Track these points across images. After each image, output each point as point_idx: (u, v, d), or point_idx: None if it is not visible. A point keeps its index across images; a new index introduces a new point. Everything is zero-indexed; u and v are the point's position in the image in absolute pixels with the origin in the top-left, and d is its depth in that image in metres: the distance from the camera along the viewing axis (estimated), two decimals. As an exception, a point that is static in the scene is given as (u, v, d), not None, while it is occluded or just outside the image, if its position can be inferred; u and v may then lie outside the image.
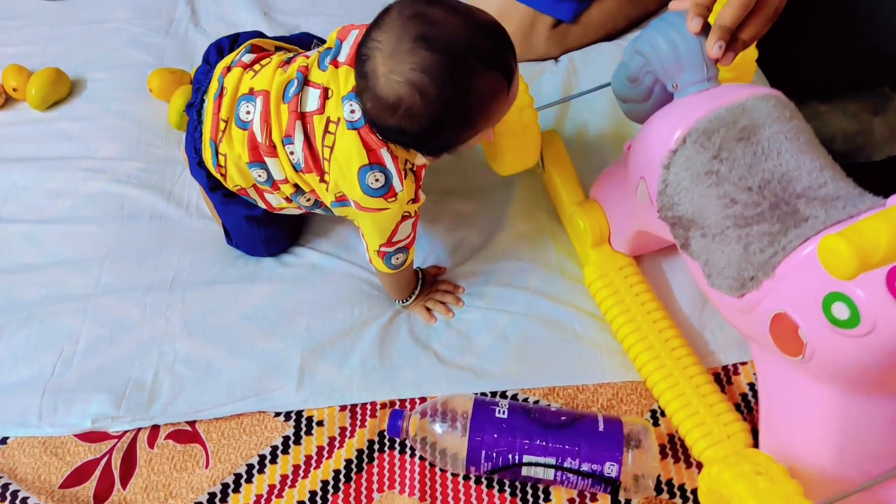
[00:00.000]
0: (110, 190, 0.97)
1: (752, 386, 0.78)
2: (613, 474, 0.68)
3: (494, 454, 0.69)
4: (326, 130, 0.71)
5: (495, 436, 0.70)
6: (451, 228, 0.93)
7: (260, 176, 0.78)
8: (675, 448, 0.75)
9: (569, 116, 1.03)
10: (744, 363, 0.80)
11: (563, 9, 1.07)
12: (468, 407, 0.72)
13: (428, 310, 0.86)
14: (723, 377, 0.79)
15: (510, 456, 0.69)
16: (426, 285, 0.87)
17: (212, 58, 0.81)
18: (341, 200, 0.75)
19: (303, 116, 0.72)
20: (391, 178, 0.70)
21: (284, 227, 0.89)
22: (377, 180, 0.70)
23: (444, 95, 0.63)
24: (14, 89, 1.06)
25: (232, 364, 0.82)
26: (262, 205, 0.84)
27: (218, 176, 0.82)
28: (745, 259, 0.62)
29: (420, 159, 0.73)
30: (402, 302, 0.86)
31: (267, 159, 0.76)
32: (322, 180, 0.75)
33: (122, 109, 1.06)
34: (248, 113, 0.75)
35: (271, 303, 0.87)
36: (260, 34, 0.84)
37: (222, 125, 0.77)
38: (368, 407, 0.79)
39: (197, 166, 0.82)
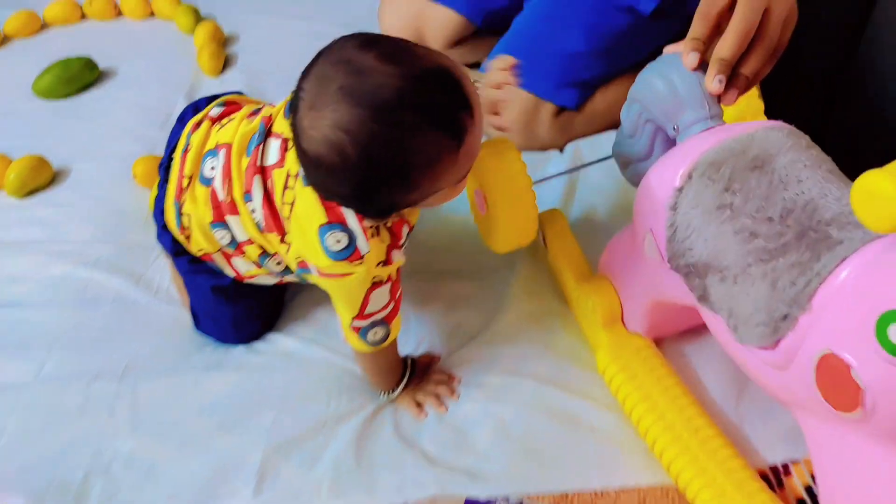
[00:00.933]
0: (75, 274, 0.88)
1: (809, 490, 0.63)
2: None
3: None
4: (286, 185, 0.64)
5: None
6: (447, 311, 0.82)
7: (223, 238, 0.70)
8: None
9: (575, 199, 0.95)
10: (796, 461, 0.66)
11: (565, 95, 1.03)
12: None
13: (418, 404, 0.74)
14: (772, 479, 0.65)
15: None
16: (416, 375, 0.75)
17: (187, 117, 0.76)
18: (303, 267, 0.67)
19: (262, 171, 0.66)
20: (355, 238, 0.62)
21: (257, 306, 0.79)
22: (338, 241, 0.62)
23: (367, 157, 0.54)
24: (-7, 178, 1.02)
25: (180, 465, 0.69)
26: (230, 273, 0.75)
27: (182, 239, 0.74)
28: (774, 297, 0.51)
29: (368, 221, 0.64)
30: (387, 394, 0.74)
31: (228, 218, 0.69)
32: (283, 241, 0.67)
33: (102, 196, 1.00)
34: (212, 168, 0.69)
35: (235, 394, 0.75)
36: (239, 93, 0.79)
37: (185, 181, 0.71)
38: (338, 517, 0.65)
39: (163, 230, 0.76)
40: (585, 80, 1.03)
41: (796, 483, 0.64)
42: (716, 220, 0.56)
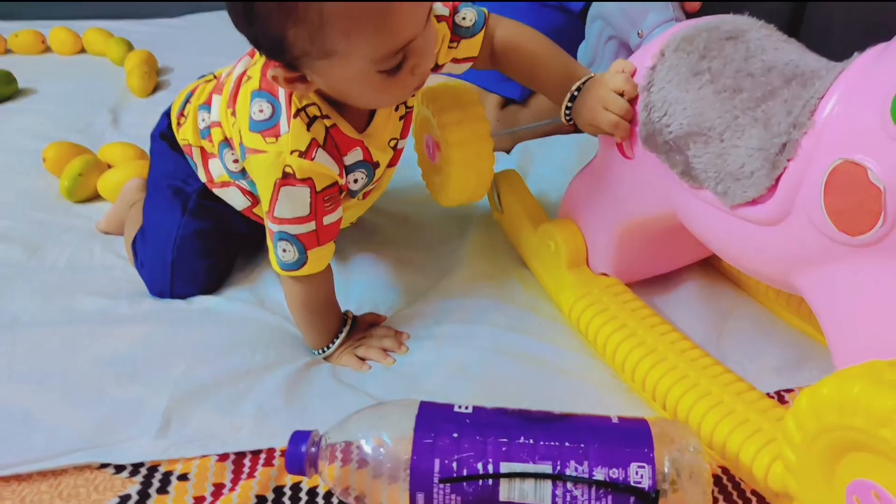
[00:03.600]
0: (-39, 242, 0.76)
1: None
2: (644, 483, 0.42)
3: (455, 464, 0.43)
4: (256, 62, 0.60)
5: (455, 436, 0.44)
6: (393, 273, 0.74)
7: (203, 120, 0.66)
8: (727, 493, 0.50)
9: (531, 170, 0.91)
10: (789, 390, 0.59)
11: (510, 88, 1.02)
12: (410, 424, 0.47)
13: (360, 359, 0.64)
14: (770, 402, 0.57)
15: (480, 464, 0.43)
16: (358, 330, 0.66)
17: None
18: (241, 144, 0.59)
19: (253, 53, 0.62)
20: (278, 111, 0.56)
21: (207, 239, 0.70)
22: (261, 111, 0.56)
23: None
24: None
25: (62, 414, 0.56)
26: (202, 174, 0.69)
27: (174, 125, 0.70)
28: (768, 135, 0.47)
29: (345, 124, 0.58)
30: (320, 352, 0.64)
31: (213, 97, 0.65)
32: (234, 114, 0.60)
33: (7, 182, 0.90)
34: (227, 74, 0.65)
35: (140, 347, 0.63)
36: None
37: (211, 77, 0.69)
38: (263, 455, 0.53)
39: (165, 115, 0.73)
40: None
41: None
42: (694, 87, 0.53)
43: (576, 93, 0.62)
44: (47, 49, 1.33)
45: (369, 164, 0.62)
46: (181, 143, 0.70)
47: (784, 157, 0.46)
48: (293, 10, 0.47)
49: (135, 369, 0.60)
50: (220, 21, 1.44)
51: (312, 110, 0.56)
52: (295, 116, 0.55)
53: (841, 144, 0.43)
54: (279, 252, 0.59)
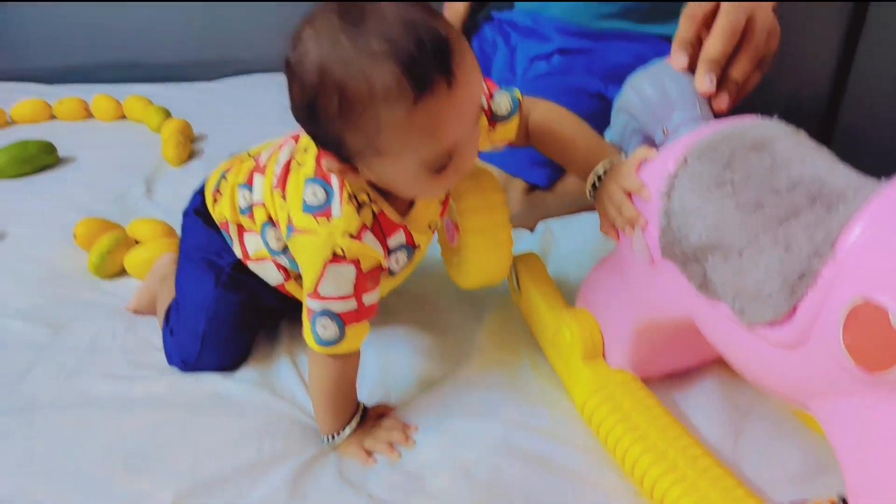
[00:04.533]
0: (-12, 320, 0.79)
1: (830, 529, 0.53)
2: None
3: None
4: (307, 148, 0.64)
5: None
6: (407, 360, 0.74)
7: (244, 199, 0.69)
8: None
9: (553, 249, 0.90)
10: (805, 502, 0.56)
11: (536, 174, 1.02)
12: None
13: (367, 452, 0.63)
14: (784, 518, 0.54)
15: None
16: (367, 421, 0.66)
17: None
18: (290, 224, 0.61)
19: (297, 137, 0.67)
20: (332, 197, 0.59)
21: (238, 315, 0.72)
22: (315, 195, 0.59)
23: (321, 60, 0.50)
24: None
25: (71, 506, 0.56)
26: (237, 249, 0.72)
27: (210, 202, 0.73)
28: (788, 259, 0.45)
29: (391, 210, 0.61)
30: (331, 438, 0.64)
31: (256, 177, 0.68)
32: (284, 198, 0.63)
33: (37, 256, 0.93)
34: (267, 156, 0.69)
35: (150, 435, 0.64)
36: None
37: (245, 157, 0.72)
38: (261, 562, 0.52)
39: (198, 193, 0.76)
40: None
41: (811, 522, 0.54)
42: (716, 197, 0.51)
43: (601, 175, 0.63)
44: (90, 115, 1.38)
45: (410, 247, 0.65)
46: (217, 218, 0.72)
47: (803, 285, 0.44)
48: (353, 117, 0.51)
49: (143, 460, 0.61)
50: (255, 85, 1.50)
51: (362, 197, 0.60)
52: (348, 202, 0.58)
53: (862, 281, 0.41)
54: (318, 329, 0.60)
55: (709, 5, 0.61)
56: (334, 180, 0.59)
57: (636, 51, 1.08)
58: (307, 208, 0.59)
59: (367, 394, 0.69)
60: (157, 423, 0.65)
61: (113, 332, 0.78)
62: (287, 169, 0.64)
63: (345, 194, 0.59)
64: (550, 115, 0.69)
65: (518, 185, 1.02)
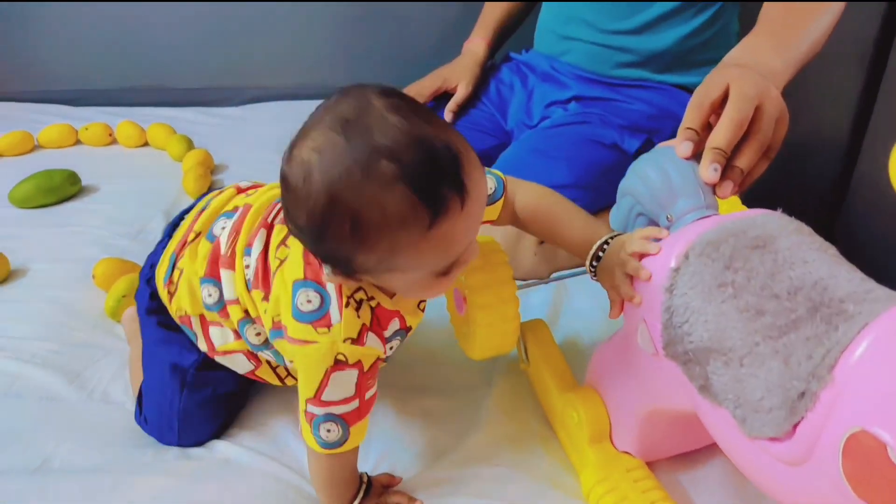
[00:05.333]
0: (3, 368, 0.80)
1: None
2: None
3: None
4: (283, 242, 0.61)
5: None
6: (415, 428, 0.74)
7: (210, 296, 0.66)
8: None
9: (559, 326, 0.89)
10: None
11: (549, 225, 1.02)
12: None
13: (370, 530, 0.63)
14: None
15: None
16: (372, 496, 0.65)
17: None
18: (278, 328, 0.60)
19: (269, 226, 0.63)
20: (328, 302, 0.56)
21: (211, 403, 0.71)
22: (309, 301, 0.56)
23: (328, 187, 0.49)
24: (-53, 274, 0.96)
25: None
26: (202, 345, 0.69)
27: (164, 296, 0.70)
28: (788, 375, 0.45)
29: (385, 299, 0.60)
30: None
31: (223, 272, 0.65)
32: (265, 298, 0.62)
33: (56, 296, 0.94)
34: (222, 228, 0.67)
35: (158, 502, 0.64)
36: None
37: (192, 237, 0.69)
38: None
39: (145, 283, 0.73)
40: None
41: None
42: (717, 300, 0.51)
43: (601, 253, 0.63)
44: (114, 141, 1.40)
45: (404, 331, 0.63)
46: (175, 313, 0.69)
47: (803, 406, 0.44)
48: (366, 241, 0.50)
49: (151, 532, 0.62)
50: (278, 111, 1.50)
51: (359, 294, 0.58)
52: (346, 306, 0.56)
53: (860, 411, 0.41)
54: (321, 433, 0.59)
55: (717, 94, 0.61)
56: (329, 283, 0.57)
57: (654, 100, 1.07)
58: (302, 317, 0.56)
59: (373, 464, 0.70)
60: (165, 490, 0.65)
61: (126, 383, 0.79)
62: (265, 266, 0.62)
63: (343, 298, 0.56)
64: (539, 196, 0.69)
65: (531, 238, 1.01)
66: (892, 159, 0.40)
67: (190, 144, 1.33)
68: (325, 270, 0.55)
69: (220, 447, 0.71)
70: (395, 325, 0.61)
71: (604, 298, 0.91)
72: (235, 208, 0.68)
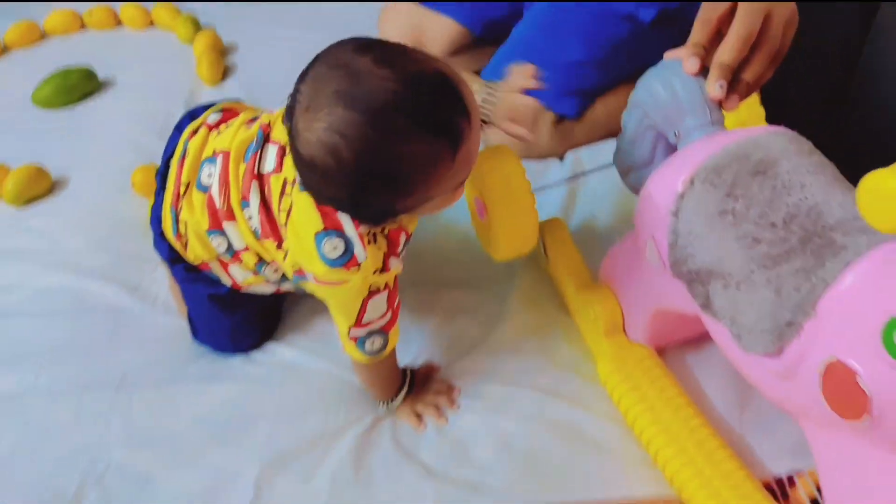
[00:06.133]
0: (68, 284, 0.88)
1: (815, 502, 0.62)
2: None
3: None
4: (283, 192, 0.64)
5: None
6: (447, 321, 0.81)
7: (220, 245, 0.70)
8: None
9: (576, 207, 0.94)
10: (800, 472, 0.65)
11: (565, 104, 1.02)
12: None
13: (417, 415, 0.73)
14: (776, 491, 0.64)
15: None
16: (415, 385, 0.75)
17: (184, 124, 0.76)
18: (300, 274, 0.66)
19: (260, 177, 0.66)
20: (352, 245, 0.61)
21: (254, 315, 0.78)
22: (335, 248, 0.61)
23: (362, 161, 0.53)
24: (-9, 186, 1.01)
25: (175, 477, 0.69)
26: (226, 281, 0.74)
27: (179, 247, 0.74)
28: (778, 304, 0.50)
29: (394, 224, 0.64)
30: (386, 404, 0.73)
31: (225, 224, 0.68)
32: (280, 248, 0.66)
33: (100, 205, 0.99)
34: (209, 175, 0.69)
35: (231, 406, 0.74)
36: (238, 101, 0.79)
37: (183, 189, 0.70)
38: (336, 530, 0.64)
39: (160, 237, 0.75)
40: (585, 89, 1.03)
41: (801, 495, 0.63)
42: (718, 226, 0.55)
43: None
44: (119, 23, 1.37)
45: (408, 240, 0.68)
46: (193, 261, 0.74)
47: (789, 333, 0.50)
48: (404, 190, 0.56)
49: (228, 431, 0.72)
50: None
51: (374, 228, 0.63)
52: (369, 244, 0.61)
53: (837, 343, 0.47)
54: (366, 346, 0.67)
55: (724, 6, 0.60)
56: (347, 227, 0.60)
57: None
58: (333, 263, 0.60)
59: (414, 356, 0.78)
60: (236, 395, 0.75)
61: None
62: (270, 218, 0.65)
63: (364, 238, 0.61)
64: None
65: (548, 117, 1.03)
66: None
67: (197, 24, 1.31)
68: (361, 228, 0.60)
69: (278, 351, 0.79)
70: (402, 239, 0.66)
71: (616, 177, 0.94)
72: (215, 152, 0.69)
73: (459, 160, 0.56)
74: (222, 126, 0.72)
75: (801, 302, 0.49)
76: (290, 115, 0.57)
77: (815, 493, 0.62)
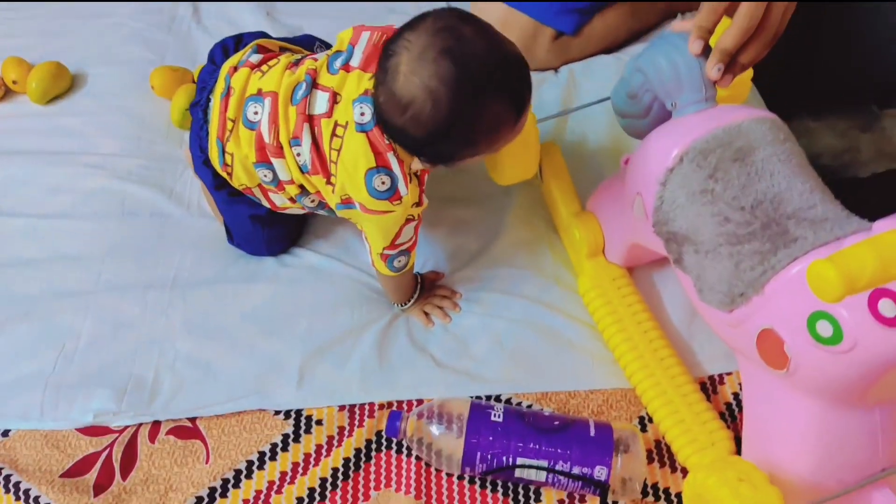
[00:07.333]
0: (111, 186, 0.97)
1: (736, 396, 0.81)
2: (603, 478, 0.71)
3: (489, 456, 0.72)
4: (334, 134, 0.74)
5: (490, 438, 0.72)
6: (450, 234, 0.95)
7: (266, 176, 0.80)
8: (661, 453, 0.78)
9: (568, 128, 1.05)
10: (729, 373, 0.83)
11: (565, 21, 1.09)
12: (464, 410, 0.74)
13: (426, 314, 0.88)
14: (709, 386, 0.83)
15: (504, 458, 0.72)
16: (424, 290, 0.89)
17: (217, 58, 0.83)
18: (347, 203, 0.77)
19: (311, 119, 0.74)
20: (397, 181, 0.72)
21: (287, 228, 0.91)
22: (383, 183, 0.72)
23: (454, 109, 0.65)
24: (14, 82, 1.06)
25: (232, 363, 0.83)
26: (266, 204, 0.85)
27: (224, 174, 0.84)
28: (735, 276, 0.65)
29: (417, 164, 0.75)
30: (401, 305, 0.88)
31: (274, 160, 0.77)
32: (328, 182, 0.77)
33: (123, 105, 1.07)
34: (255, 113, 0.77)
35: (271, 303, 0.88)
36: (264, 34, 0.86)
37: (230, 125, 0.78)
38: (367, 407, 0.81)
39: (202, 165, 0.84)
40: (584, 7, 1.09)
41: (727, 390, 0.82)
42: (698, 202, 0.67)
43: None
44: None
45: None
46: (237, 186, 0.83)
47: (741, 300, 0.64)
48: (476, 143, 0.70)
49: (272, 325, 0.86)
50: None
51: (414, 167, 0.74)
52: (410, 182, 0.73)
53: (775, 317, 0.61)
54: (394, 264, 0.80)
55: None
56: (394, 164, 0.71)
57: None
58: (380, 195, 0.72)
59: (421, 264, 0.92)
60: (275, 294, 0.89)
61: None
62: (320, 156, 0.74)
63: (407, 176, 0.72)
64: None
65: (546, 33, 1.10)
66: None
67: None
68: (418, 162, 0.72)
69: (305, 256, 0.93)
70: (426, 178, 0.78)
71: (610, 83, 1.01)
72: (260, 91, 0.76)
73: (517, 128, 0.70)
74: (264, 67, 0.79)
75: (754, 281, 0.63)
76: (389, 57, 0.66)
77: (738, 389, 0.81)
